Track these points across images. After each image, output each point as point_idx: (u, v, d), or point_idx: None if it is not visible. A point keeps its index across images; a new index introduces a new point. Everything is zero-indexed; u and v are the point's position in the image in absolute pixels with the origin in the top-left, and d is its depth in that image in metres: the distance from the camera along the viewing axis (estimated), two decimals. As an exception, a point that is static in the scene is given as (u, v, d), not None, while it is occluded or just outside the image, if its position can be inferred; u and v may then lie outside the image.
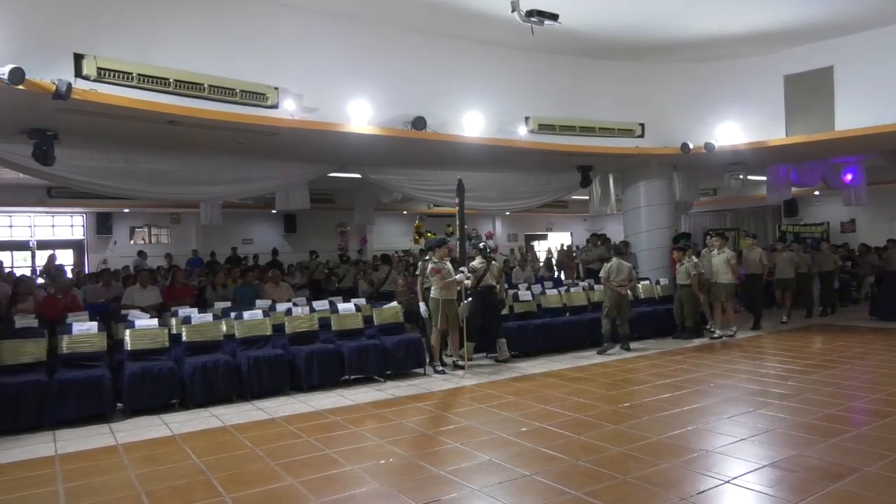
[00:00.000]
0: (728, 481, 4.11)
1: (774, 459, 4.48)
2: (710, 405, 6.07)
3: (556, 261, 17.38)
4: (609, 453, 4.70)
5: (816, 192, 18.21)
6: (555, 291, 10.36)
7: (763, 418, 5.53)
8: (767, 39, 9.94)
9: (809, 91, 10.21)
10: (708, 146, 10.80)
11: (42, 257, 16.38)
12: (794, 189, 14.96)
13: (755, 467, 4.35)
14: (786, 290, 11.96)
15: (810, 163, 13.56)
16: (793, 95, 10.41)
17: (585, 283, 11.24)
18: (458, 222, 8.54)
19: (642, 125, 11.03)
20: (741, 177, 12.58)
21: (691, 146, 10.83)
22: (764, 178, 14.55)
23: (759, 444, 4.85)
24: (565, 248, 19.41)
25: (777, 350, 9.00)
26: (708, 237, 12.43)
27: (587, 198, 14.99)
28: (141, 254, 16.45)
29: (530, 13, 7.18)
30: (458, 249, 8.46)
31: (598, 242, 14.90)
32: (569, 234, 25.00)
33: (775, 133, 10.61)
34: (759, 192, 16.61)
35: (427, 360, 8.13)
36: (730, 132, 10.91)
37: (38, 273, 14.53)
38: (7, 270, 14.05)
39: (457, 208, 8.52)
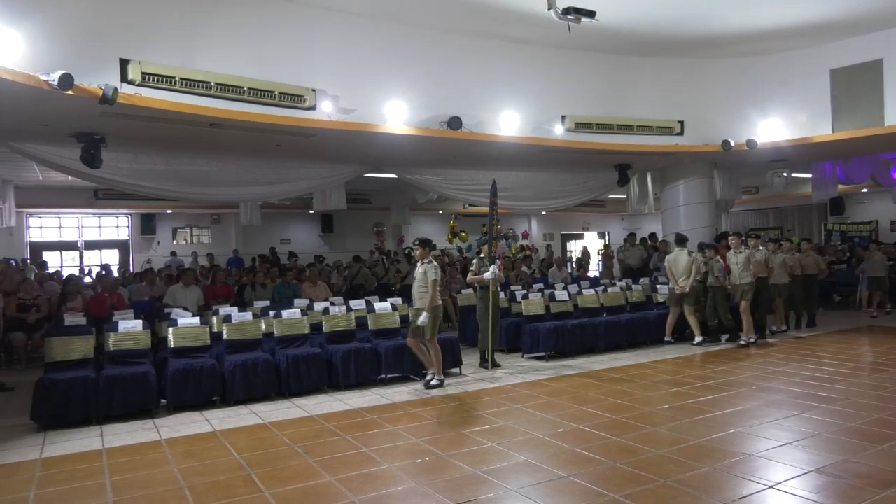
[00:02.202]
0: (771, 486, 4.01)
1: (820, 465, 4.36)
2: (753, 408, 5.93)
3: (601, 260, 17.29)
4: (648, 456, 4.63)
5: (864, 190, 17.65)
6: (591, 291, 10.26)
7: (808, 422, 5.38)
8: (813, 32, 9.67)
9: (857, 85, 9.89)
10: (750, 143, 10.56)
11: (89, 257, 16.95)
12: (840, 186, 14.52)
13: (800, 473, 4.23)
14: (778, 297, 10.41)
15: (858, 159, 13.15)
16: (839, 90, 10.10)
17: (623, 283, 11.10)
18: (492, 222, 8.55)
19: (681, 122, 10.84)
20: (785, 174, 12.19)
21: (732, 143, 10.60)
22: (809, 176, 14.16)
23: (804, 449, 4.72)
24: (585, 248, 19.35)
25: (823, 352, 8.74)
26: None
27: (624, 196, 14.81)
28: (194, 254, 16.91)
29: (567, 11, 7.13)
30: (492, 249, 8.46)
31: (637, 242, 14.69)
32: (597, 233, 24.76)
33: (821, 129, 10.31)
34: (803, 190, 16.18)
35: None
36: (773, 128, 10.64)
37: (85, 273, 14.99)
38: (55, 270, 14.58)
39: (492, 208, 8.55)
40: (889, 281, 13.29)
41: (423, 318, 6.97)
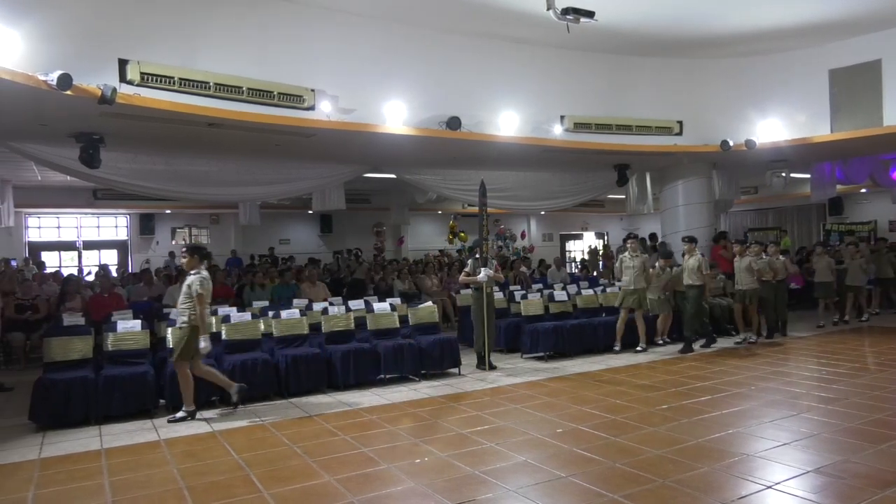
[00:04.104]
0: (770, 487, 4.01)
1: (819, 465, 4.36)
2: (751, 408, 5.94)
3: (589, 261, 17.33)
4: (647, 456, 4.63)
5: (863, 190, 17.67)
6: (590, 291, 10.26)
7: (807, 422, 5.39)
8: (812, 33, 9.68)
9: (856, 85, 9.90)
10: (749, 143, 10.56)
11: (87, 257, 16.93)
12: (839, 187, 14.53)
13: (798, 473, 4.24)
14: (746, 303, 9.71)
15: (857, 159, 13.16)
16: (838, 90, 10.10)
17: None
18: (483, 223, 8.52)
19: (680, 122, 10.85)
20: (784, 175, 12.19)
21: (731, 143, 10.61)
22: (808, 176, 14.18)
23: (803, 449, 4.72)
24: (593, 248, 19.32)
25: (822, 353, 8.75)
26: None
27: (623, 197, 14.83)
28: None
29: (566, 11, 7.12)
30: (484, 250, 8.46)
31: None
32: (595, 233, 24.79)
33: (820, 129, 10.32)
34: (802, 190, 16.20)
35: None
36: (772, 129, 10.65)
37: (85, 273, 14.99)
38: (55, 270, 14.56)
39: (481, 208, 8.51)
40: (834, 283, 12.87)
41: (203, 344, 6.04)
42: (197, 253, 6.34)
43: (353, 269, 14.39)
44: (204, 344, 6.05)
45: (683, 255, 9.58)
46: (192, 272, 6.20)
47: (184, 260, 6.49)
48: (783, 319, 10.37)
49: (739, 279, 9.70)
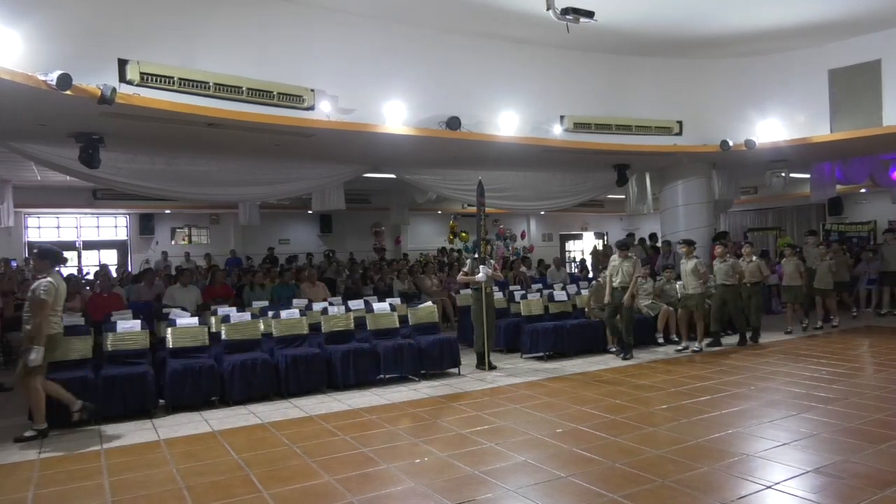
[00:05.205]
0: (770, 487, 4.01)
1: (819, 465, 4.36)
2: (751, 408, 5.94)
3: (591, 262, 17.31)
4: (646, 456, 4.63)
5: (863, 190, 17.68)
6: (590, 292, 10.26)
7: (806, 422, 5.39)
8: (812, 33, 9.68)
9: (856, 85, 9.91)
10: (749, 143, 10.57)
11: (87, 257, 16.93)
12: (839, 187, 14.54)
13: (798, 473, 4.24)
14: (693, 310, 9.17)
15: (857, 159, 13.17)
16: (838, 90, 10.11)
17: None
18: (481, 223, 8.51)
19: (680, 122, 10.85)
20: (783, 175, 12.20)
21: (731, 143, 10.61)
22: (807, 176, 14.18)
23: (803, 449, 4.72)
24: (600, 247, 19.29)
25: (822, 353, 8.75)
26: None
27: (623, 197, 14.83)
28: (186, 254, 16.92)
29: (565, 11, 7.12)
30: (482, 250, 8.46)
31: (636, 242, 14.72)
32: (594, 233, 24.78)
33: (819, 129, 10.32)
34: (802, 190, 16.21)
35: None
36: (772, 129, 10.65)
37: (84, 273, 14.99)
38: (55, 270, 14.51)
39: (479, 208, 8.51)
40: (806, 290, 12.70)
41: (33, 356, 5.36)
42: (47, 257, 5.71)
43: (323, 270, 14.41)
44: (34, 356, 5.35)
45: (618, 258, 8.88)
46: (40, 276, 5.63)
47: (32, 263, 5.87)
48: (755, 325, 9.69)
49: (685, 282, 9.15)
